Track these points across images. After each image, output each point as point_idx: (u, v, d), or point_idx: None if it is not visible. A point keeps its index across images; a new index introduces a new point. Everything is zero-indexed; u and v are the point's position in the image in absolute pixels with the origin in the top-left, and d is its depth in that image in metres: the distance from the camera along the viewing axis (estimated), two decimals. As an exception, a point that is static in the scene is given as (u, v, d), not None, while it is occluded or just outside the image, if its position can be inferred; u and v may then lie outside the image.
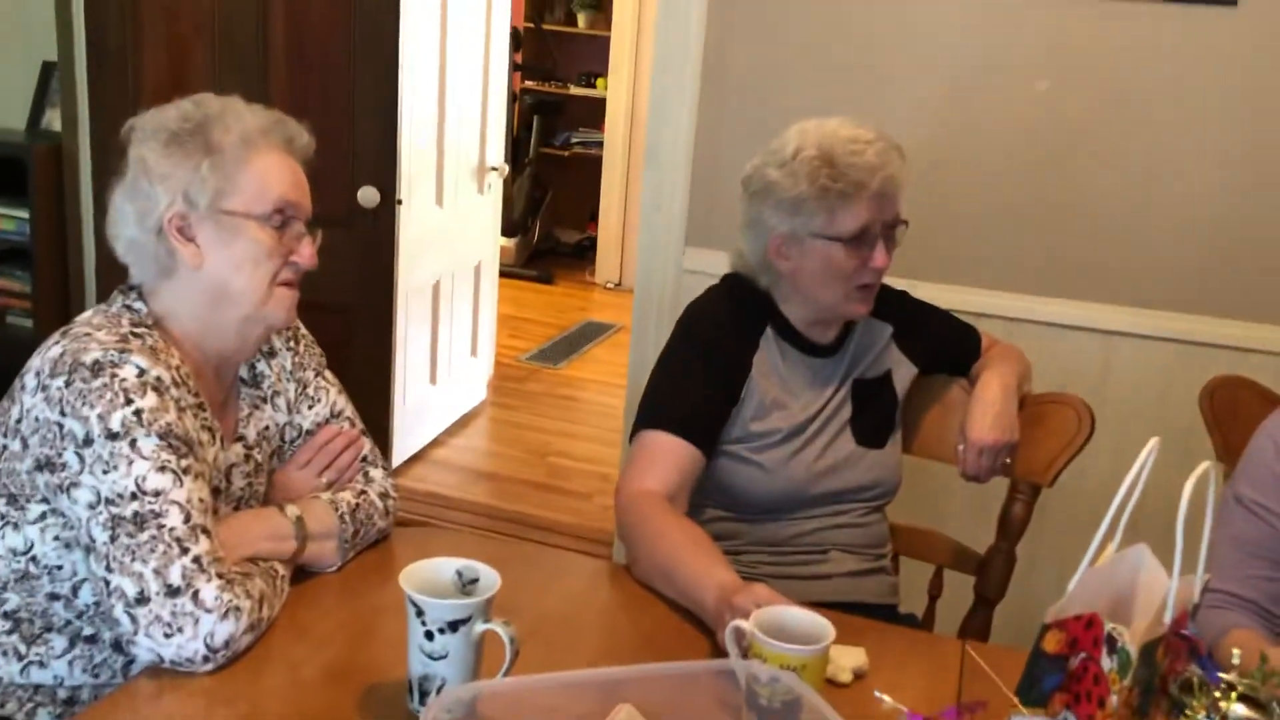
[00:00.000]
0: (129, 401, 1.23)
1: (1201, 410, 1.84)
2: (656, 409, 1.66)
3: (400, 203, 3.00)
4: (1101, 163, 2.37)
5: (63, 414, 1.23)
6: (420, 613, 1.13)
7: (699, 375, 1.67)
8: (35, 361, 1.28)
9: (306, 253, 1.40)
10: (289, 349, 1.54)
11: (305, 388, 1.54)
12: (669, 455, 1.60)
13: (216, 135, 1.34)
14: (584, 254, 6.60)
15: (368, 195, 2.90)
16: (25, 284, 3.30)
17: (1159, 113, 2.32)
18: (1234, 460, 1.63)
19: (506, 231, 5.46)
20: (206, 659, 1.19)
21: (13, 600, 1.32)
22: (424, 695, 1.14)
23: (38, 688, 1.33)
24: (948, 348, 1.84)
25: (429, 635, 1.13)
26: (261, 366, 1.50)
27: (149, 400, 1.24)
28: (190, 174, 1.33)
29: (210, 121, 1.34)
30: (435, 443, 3.96)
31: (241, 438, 1.44)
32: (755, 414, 1.67)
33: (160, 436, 1.23)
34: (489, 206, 4.18)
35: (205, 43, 3.07)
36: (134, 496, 1.21)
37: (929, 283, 2.15)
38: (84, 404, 1.22)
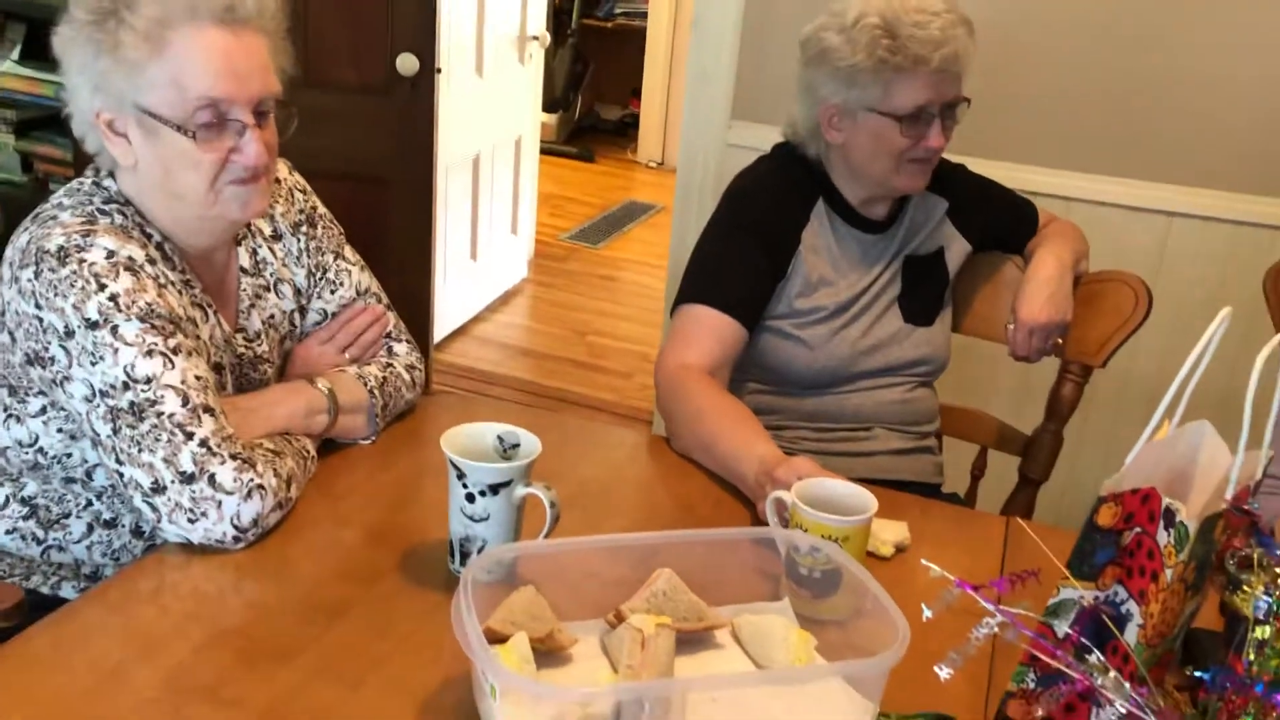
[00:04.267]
0: (101, 287, 1.16)
1: (1265, 291, 1.78)
2: (699, 283, 1.62)
3: (439, 71, 2.92)
4: (1167, 39, 2.25)
5: (38, 306, 1.17)
6: (461, 475, 1.12)
7: (745, 249, 1.62)
8: (8, 250, 1.21)
9: (250, 152, 1.22)
10: (302, 234, 1.44)
11: (325, 272, 1.46)
12: (711, 330, 1.57)
13: (124, 23, 1.17)
14: (626, 131, 6.48)
15: (406, 63, 2.82)
16: (66, 150, 3.29)
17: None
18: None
19: (547, 107, 5.36)
20: (237, 539, 1.17)
21: (30, 486, 1.31)
22: (464, 556, 1.15)
23: (61, 564, 1.33)
24: (1004, 224, 1.78)
25: (470, 498, 1.13)
26: (264, 253, 1.41)
27: (123, 282, 1.17)
28: (99, 71, 1.19)
29: (120, 5, 1.18)
30: (476, 319, 3.97)
31: (242, 329, 1.37)
32: (801, 291, 1.64)
33: (141, 319, 1.17)
34: (529, 78, 4.09)
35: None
36: (126, 386, 1.16)
37: (985, 159, 2.07)
38: (56, 295, 1.15)
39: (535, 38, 4.00)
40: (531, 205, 4.40)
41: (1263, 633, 0.78)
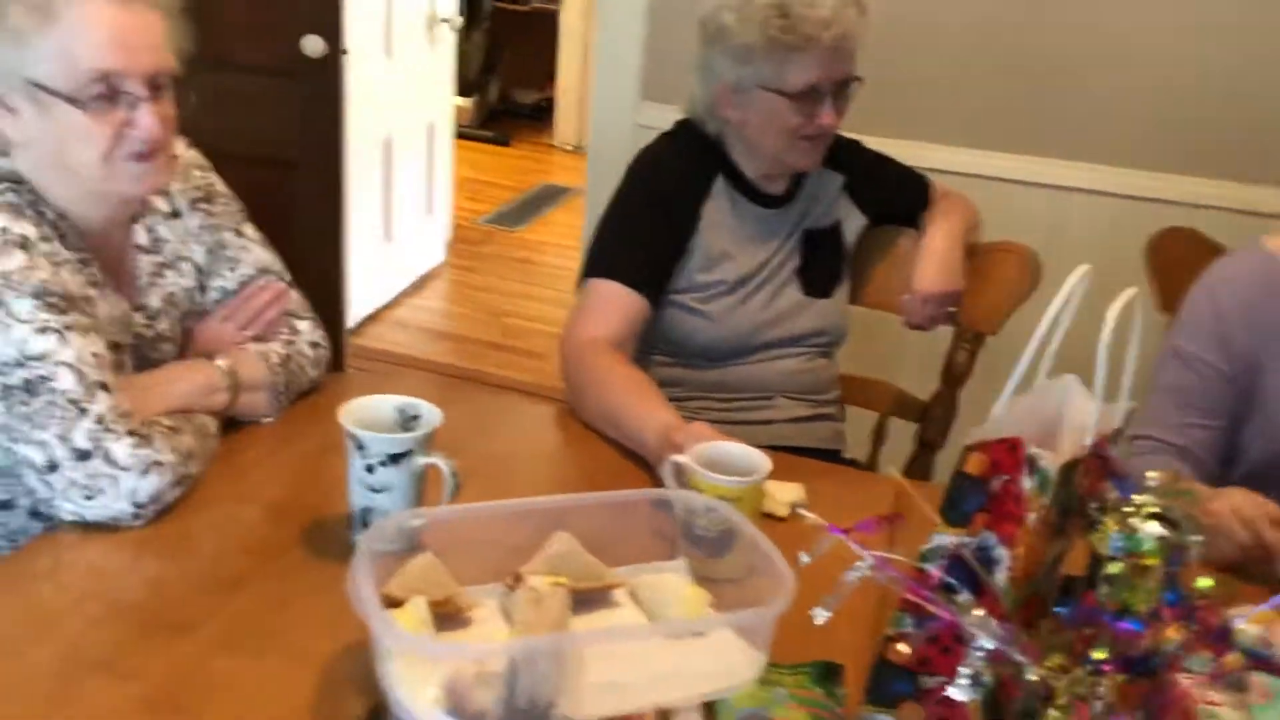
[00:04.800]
0: None
1: (1146, 261, 1.86)
2: (604, 257, 1.65)
3: (345, 53, 2.89)
4: (1057, 17, 2.33)
5: None
6: (360, 446, 1.13)
7: (647, 224, 1.66)
8: None
9: (144, 124, 1.22)
10: (200, 210, 1.44)
11: (224, 249, 1.45)
12: (616, 304, 1.60)
13: None
14: (543, 115, 6.47)
15: (312, 44, 2.79)
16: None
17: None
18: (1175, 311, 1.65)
19: (462, 91, 5.32)
20: (135, 515, 1.17)
21: None
22: (367, 528, 1.15)
23: None
24: (899, 198, 1.84)
25: (369, 469, 1.14)
26: (162, 230, 1.40)
27: (15, 260, 1.17)
28: None
29: None
30: (393, 303, 3.94)
31: (141, 308, 1.37)
32: (702, 265, 1.67)
33: (35, 296, 1.17)
34: (441, 61, 4.07)
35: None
36: (19, 364, 1.15)
37: (882, 137, 2.13)
38: None
39: (445, 20, 3.98)
40: (447, 189, 4.38)
41: (1116, 568, 0.83)
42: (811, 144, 1.63)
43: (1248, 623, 0.98)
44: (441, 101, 4.17)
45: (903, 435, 1.92)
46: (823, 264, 1.76)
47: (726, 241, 1.68)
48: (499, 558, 1.09)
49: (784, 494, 1.31)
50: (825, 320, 1.76)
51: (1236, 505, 1.27)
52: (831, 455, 1.76)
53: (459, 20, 4.17)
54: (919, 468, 1.84)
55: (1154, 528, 0.87)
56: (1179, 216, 2.28)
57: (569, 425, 1.53)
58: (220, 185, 1.48)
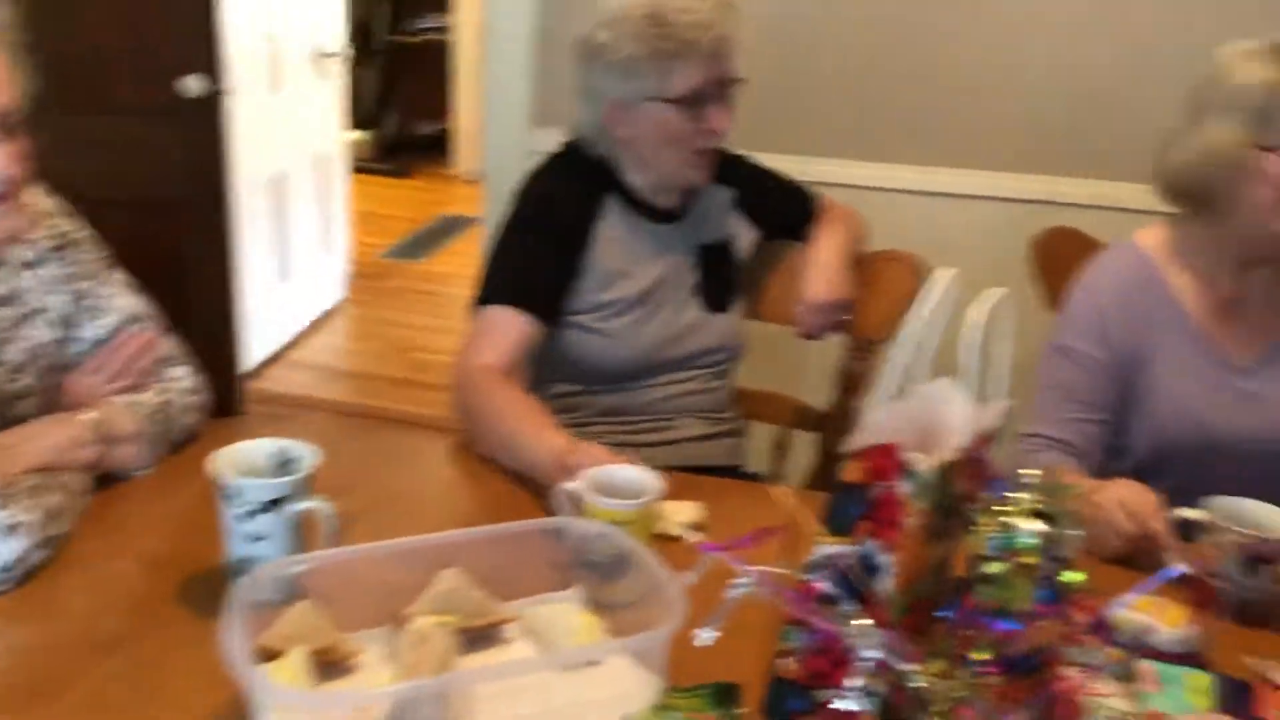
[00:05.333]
0: None
1: (1030, 261, 1.90)
2: (495, 283, 1.63)
3: (227, 92, 2.83)
4: (930, 29, 2.38)
5: None
6: (234, 494, 1.09)
7: (537, 247, 1.64)
8: None
9: None
10: (58, 258, 1.38)
11: (86, 298, 1.39)
12: (507, 330, 1.58)
13: None
14: (442, 146, 6.43)
15: (191, 83, 2.72)
16: None
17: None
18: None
19: (359, 125, 5.27)
20: None
21: None
22: (246, 577, 1.11)
23: None
24: (785, 211, 1.85)
25: (246, 516, 1.10)
26: (19, 281, 1.34)
27: None
28: None
29: None
30: (293, 344, 3.86)
31: (2, 363, 1.31)
32: (599, 284, 1.66)
33: None
34: (331, 95, 4.02)
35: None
36: None
37: (767, 152, 2.15)
38: None
39: (334, 54, 3.93)
40: (345, 224, 4.32)
41: (995, 568, 0.83)
42: (702, 157, 1.63)
43: (1130, 610, 0.99)
44: (334, 136, 4.11)
45: (808, 447, 1.92)
46: (719, 279, 1.76)
47: (622, 259, 1.68)
48: (387, 600, 1.06)
49: (681, 514, 1.30)
50: (723, 336, 1.76)
51: (1122, 497, 1.29)
52: (733, 470, 1.76)
53: (347, 53, 4.12)
54: (823, 478, 1.84)
55: (1032, 525, 0.87)
56: (1061, 216, 2.33)
57: (465, 459, 1.50)
58: (80, 232, 1.42)
